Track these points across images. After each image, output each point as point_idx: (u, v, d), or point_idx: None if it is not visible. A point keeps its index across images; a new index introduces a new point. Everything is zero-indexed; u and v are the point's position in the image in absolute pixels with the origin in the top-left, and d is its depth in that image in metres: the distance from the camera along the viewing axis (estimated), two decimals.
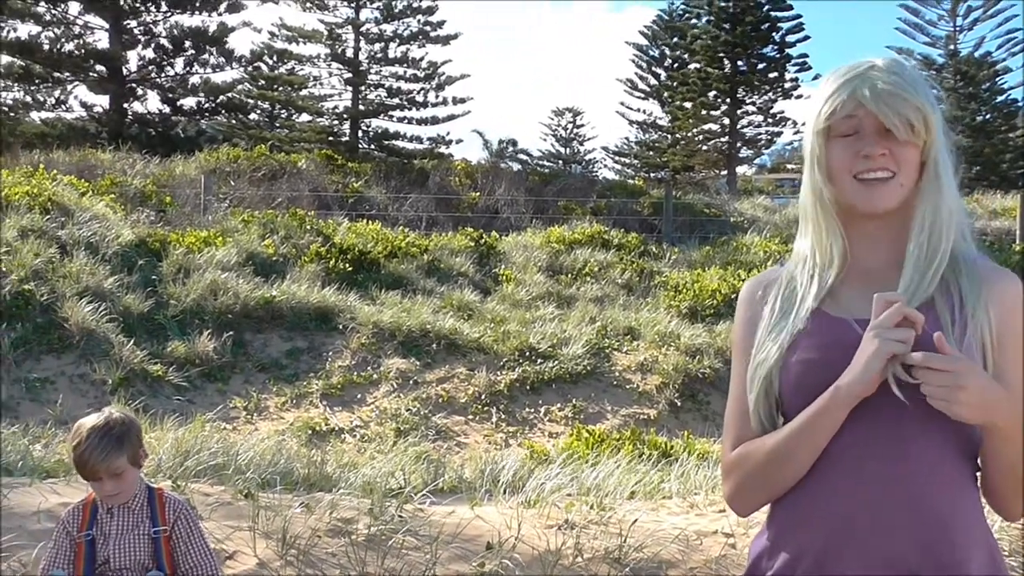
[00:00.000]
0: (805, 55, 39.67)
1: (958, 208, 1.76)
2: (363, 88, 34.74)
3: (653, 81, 45.10)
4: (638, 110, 45.64)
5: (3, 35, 30.83)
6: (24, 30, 31.31)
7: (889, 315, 1.61)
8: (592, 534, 4.77)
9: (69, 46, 31.54)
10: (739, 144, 39.88)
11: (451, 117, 34.98)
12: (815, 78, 44.31)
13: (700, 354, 11.51)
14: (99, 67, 31.67)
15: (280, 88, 35.45)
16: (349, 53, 34.61)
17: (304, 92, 35.49)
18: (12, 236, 11.54)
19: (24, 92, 32.31)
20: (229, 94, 34.04)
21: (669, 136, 43.28)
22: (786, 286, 1.83)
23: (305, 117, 36.64)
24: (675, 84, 41.40)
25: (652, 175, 42.85)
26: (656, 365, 11.26)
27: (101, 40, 31.93)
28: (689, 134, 41.14)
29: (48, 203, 12.81)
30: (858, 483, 1.65)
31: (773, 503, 1.79)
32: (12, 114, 31.85)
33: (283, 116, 38.25)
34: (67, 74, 31.64)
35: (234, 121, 35.87)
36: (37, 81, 31.67)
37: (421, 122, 34.90)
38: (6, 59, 31.19)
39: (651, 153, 45.01)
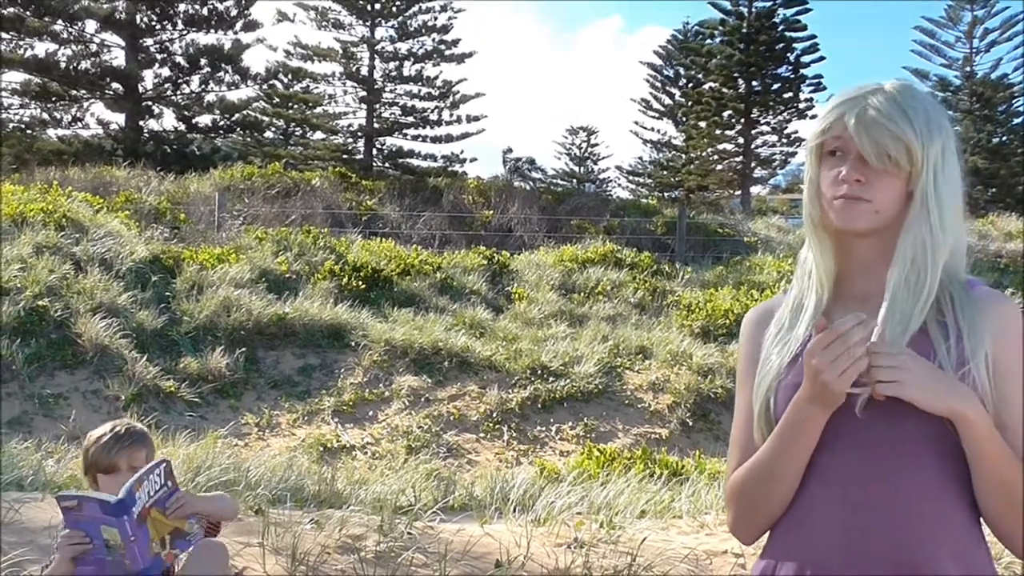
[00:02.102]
0: (820, 75, 39.47)
1: (954, 238, 1.72)
2: (377, 106, 34.88)
3: (667, 100, 45.24)
4: (652, 129, 45.76)
5: (21, 53, 31.10)
6: (41, 48, 31.61)
7: (816, 342, 1.61)
8: (601, 553, 4.75)
9: (86, 64, 31.76)
10: (753, 164, 39.81)
11: (465, 135, 35.08)
12: (830, 98, 44.25)
13: (712, 374, 11.49)
14: (115, 85, 31.87)
15: (295, 106, 35.62)
16: (364, 71, 34.77)
17: (319, 110, 35.65)
18: (27, 252, 11.61)
19: (41, 109, 32.54)
20: (244, 112, 34.18)
21: (683, 155, 43.28)
22: (793, 299, 1.83)
23: (319, 135, 36.78)
24: (689, 103, 41.42)
25: (666, 194, 42.87)
26: (668, 384, 11.24)
27: (117, 58, 32.15)
28: (703, 153, 41.12)
29: (63, 220, 12.89)
30: (849, 509, 1.64)
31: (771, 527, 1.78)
32: (29, 131, 32.06)
33: (297, 134, 38.41)
34: (83, 92, 31.84)
35: (249, 139, 36.03)
36: (54, 99, 31.88)
37: (435, 140, 35.01)
38: (23, 77, 31.48)
39: (665, 172, 45.05)
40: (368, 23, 34.62)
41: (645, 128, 45.73)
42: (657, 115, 45.42)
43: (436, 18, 34.63)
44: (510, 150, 41.64)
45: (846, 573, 1.62)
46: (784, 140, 39.47)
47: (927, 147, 1.67)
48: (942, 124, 1.70)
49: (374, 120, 34.78)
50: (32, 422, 9.27)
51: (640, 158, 49.50)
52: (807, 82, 39.02)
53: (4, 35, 31.14)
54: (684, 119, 42.48)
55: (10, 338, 10.17)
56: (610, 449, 8.87)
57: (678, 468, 7.67)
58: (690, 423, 10.76)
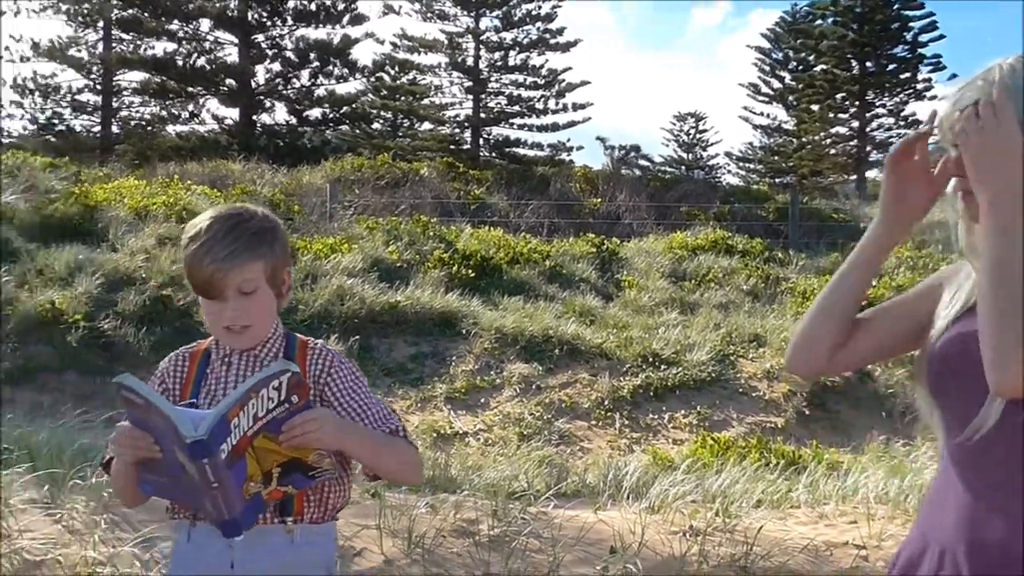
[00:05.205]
0: (939, 55, 38.48)
1: None
2: (483, 96, 35.09)
3: (777, 84, 44.37)
4: (762, 114, 44.97)
5: (140, 53, 32.18)
6: (159, 48, 32.70)
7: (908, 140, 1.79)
8: (717, 541, 4.68)
9: (201, 62, 32.79)
10: (869, 147, 38.82)
11: (571, 124, 35.03)
12: (951, 78, 42.84)
13: None
14: (229, 81, 32.78)
15: (402, 98, 36.08)
16: (469, 62, 35.02)
17: (426, 101, 36.03)
18: (151, 244, 12.02)
19: (160, 107, 33.65)
20: (353, 105, 34.75)
21: (795, 140, 42.44)
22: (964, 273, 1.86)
23: (427, 126, 37.21)
24: (800, 87, 40.61)
25: (778, 180, 42.10)
26: (783, 373, 11.01)
27: (231, 55, 33.07)
28: (816, 138, 40.29)
29: (183, 212, 13.30)
30: (971, 490, 1.66)
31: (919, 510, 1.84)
32: (150, 128, 33.17)
33: (405, 125, 38.88)
34: (199, 88, 32.85)
35: (358, 131, 36.62)
36: (171, 96, 32.95)
37: (541, 129, 35.10)
38: (143, 76, 32.57)
39: (776, 158, 44.25)
40: (473, 13, 34.84)
41: (754, 113, 45.02)
42: (767, 99, 44.62)
43: (540, 7, 34.69)
44: (604, 139, 41.34)
45: (960, 551, 1.64)
46: (901, 122, 38.36)
47: None
48: None
49: (480, 110, 35.00)
50: None
51: (750, 143, 48.72)
52: (925, 62, 37.89)
53: (124, 36, 32.28)
54: (795, 103, 41.67)
55: (136, 326, 10.53)
56: (724, 438, 8.73)
57: (795, 458, 7.51)
58: (807, 412, 10.53)
